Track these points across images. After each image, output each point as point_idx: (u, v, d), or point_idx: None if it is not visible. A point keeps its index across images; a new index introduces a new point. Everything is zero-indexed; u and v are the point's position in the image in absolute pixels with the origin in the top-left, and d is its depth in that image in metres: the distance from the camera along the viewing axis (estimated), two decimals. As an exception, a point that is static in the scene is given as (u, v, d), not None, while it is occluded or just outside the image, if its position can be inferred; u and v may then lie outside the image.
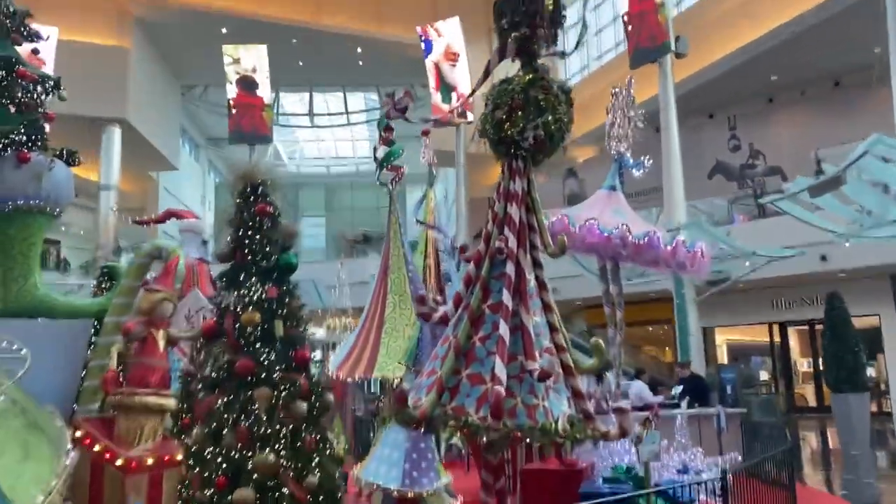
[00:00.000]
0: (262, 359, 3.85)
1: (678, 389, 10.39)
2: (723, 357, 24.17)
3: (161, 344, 5.54)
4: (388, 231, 8.48)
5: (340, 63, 29.39)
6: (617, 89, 8.27)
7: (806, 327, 21.78)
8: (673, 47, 18.25)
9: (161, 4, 25.90)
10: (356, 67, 30.08)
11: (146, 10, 26.13)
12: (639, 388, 10.50)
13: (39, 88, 6.17)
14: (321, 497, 3.73)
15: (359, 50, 28.79)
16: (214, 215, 34.15)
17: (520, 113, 5.11)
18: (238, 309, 3.91)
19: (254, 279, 4.03)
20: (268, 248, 4.13)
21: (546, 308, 5.28)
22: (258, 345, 3.90)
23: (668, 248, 7.52)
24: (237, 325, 3.88)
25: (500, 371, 4.70)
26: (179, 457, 5.37)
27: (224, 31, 27.19)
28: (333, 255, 29.30)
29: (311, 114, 34.46)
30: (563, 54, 5.57)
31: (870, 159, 8.89)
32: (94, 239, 24.94)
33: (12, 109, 5.85)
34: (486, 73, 5.23)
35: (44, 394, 5.12)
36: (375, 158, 8.54)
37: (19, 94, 5.93)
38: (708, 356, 23.29)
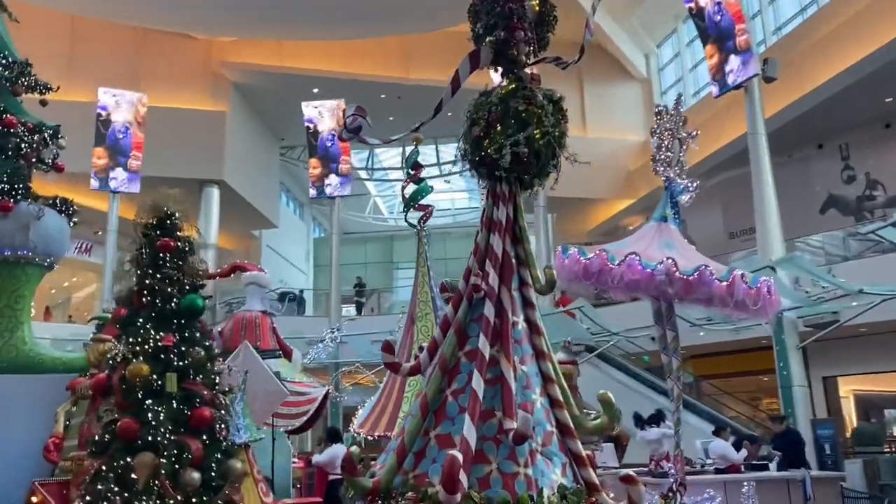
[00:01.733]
0: (149, 418, 3.29)
1: (766, 449, 9.03)
2: (850, 410, 21.72)
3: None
4: (416, 275, 7.88)
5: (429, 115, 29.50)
6: (662, 106, 7.38)
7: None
8: (760, 70, 16.85)
9: (254, 69, 26.95)
10: (445, 118, 30.11)
11: (241, 74, 27.25)
12: (721, 446, 9.21)
13: (37, 137, 6.03)
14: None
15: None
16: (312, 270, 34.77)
17: (498, 128, 4.42)
18: (127, 360, 3.40)
19: (148, 326, 3.51)
20: (169, 290, 3.60)
21: (539, 355, 4.46)
22: (147, 402, 3.35)
23: (724, 283, 6.47)
24: (124, 379, 3.36)
25: (469, 431, 3.91)
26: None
27: (315, 90, 27.90)
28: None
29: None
30: (558, 61, 4.80)
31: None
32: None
33: (-1, 157, 5.72)
34: (455, 86, 4.57)
35: (14, 449, 4.79)
36: (403, 197, 8.02)
37: (10, 143, 5.81)
38: (830, 409, 20.99)
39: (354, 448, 3.88)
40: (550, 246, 33.34)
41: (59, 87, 6.59)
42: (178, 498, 3.16)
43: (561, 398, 4.39)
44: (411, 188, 7.89)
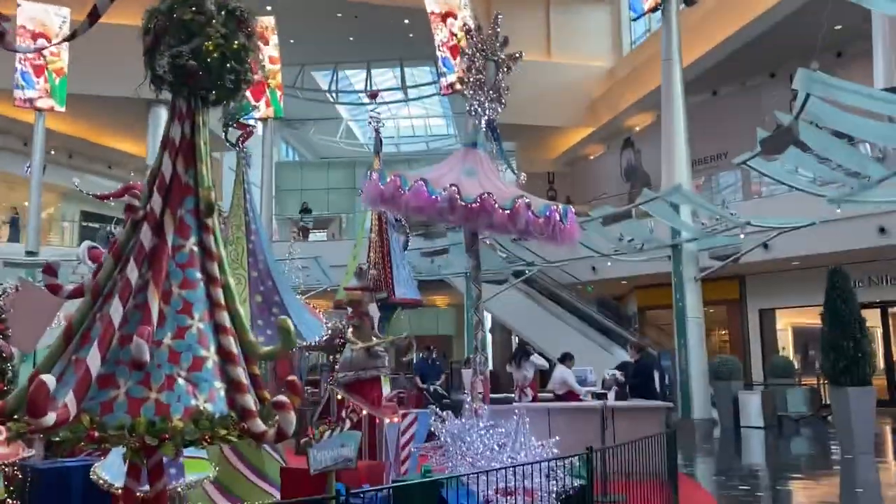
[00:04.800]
0: None
1: (610, 373, 8.99)
2: (787, 343, 21.87)
3: None
4: (232, 198, 7.70)
5: (394, 37, 28.71)
6: (465, 25, 7.06)
7: (877, 310, 19.24)
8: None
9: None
10: (413, 40, 29.31)
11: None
12: (561, 373, 9.23)
13: None
14: None
15: (406, 21, 28.00)
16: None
17: (165, 39, 4.16)
18: None
19: None
20: None
21: (210, 280, 4.31)
22: None
23: (506, 212, 6.31)
24: None
25: (92, 357, 3.80)
26: None
27: (269, 7, 27.09)
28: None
29: (366, 90, 34.07)
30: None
31: (818, 103, 7.17)
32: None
33: None
34: (94, 17, 4.25)
35: None
36: (227, 114, 7.77)
37: None
38: (765, 341, 21.08)
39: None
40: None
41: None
42: None
43: (229, 324, 4.27)
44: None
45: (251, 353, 4.39)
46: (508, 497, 6.04)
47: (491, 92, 7.14)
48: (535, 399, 9.72)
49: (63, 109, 20.63)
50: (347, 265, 11.71)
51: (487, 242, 17.50)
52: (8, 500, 5.71)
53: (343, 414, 4.96)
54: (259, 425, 4.13)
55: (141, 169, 25.45)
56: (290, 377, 4.90)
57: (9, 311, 7.22)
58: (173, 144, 4.32)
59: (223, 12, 4.21)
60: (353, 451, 4.36)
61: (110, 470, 5.31)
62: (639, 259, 15.22)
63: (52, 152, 26.50)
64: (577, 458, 5.98)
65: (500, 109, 7.28)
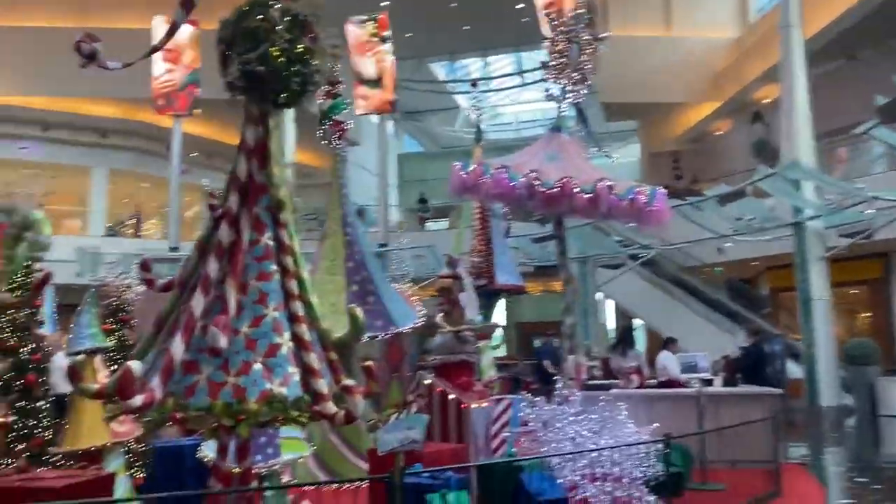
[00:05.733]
0: None
1: (700, 360, 8.56)
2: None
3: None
4: (331, 193, 8.04)
5: (508, 23, 28.62)
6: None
7: None
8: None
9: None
10: (523, 25, 29.13)
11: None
12: (663, 359, 8.96)
13: None
14: None
15: (520, 6, 27.82)
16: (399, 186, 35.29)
17: (234, 48, 4.45)
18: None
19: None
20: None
21: (284, 272, 4.59)
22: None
23: (586, 196, 6.25)
24: None
25: (176, 345, 4.17)
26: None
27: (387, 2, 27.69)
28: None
29: (481, 78, 34.12)
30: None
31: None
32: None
33: None
34: (187, 5, 4.58)
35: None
36: (320, 112, 8.13)
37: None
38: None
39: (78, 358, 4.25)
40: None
41: None
42: None
43: (302, 313, 4.54)
44: (326, 104, 7.96)
45: (325, 340, 4.65)
46: (595, 482, 6.02)
47: (574, 74, 7.05)
48: (641, 386, 9.53)
49: (198, 112, 22.09)
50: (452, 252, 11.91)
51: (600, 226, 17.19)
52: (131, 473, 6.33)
53: (410, 398, 5.11)
54: (330, 408, 4.37)
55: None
56: (367, 363, 5.14)
57: (134, 304, 7.94)
58: (248, 146, 4.62)
59: (287, 19, 4.45)
60: (420, 433, 4.52)
61: (212, 448, 5.77)
62: (764, 239, 14.44)
63: (193, 154, 28.37)
64: (661, 444, 5.85)
65: (584, 91, 7.17)
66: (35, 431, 6.22)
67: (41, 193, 19.15)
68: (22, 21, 24.86)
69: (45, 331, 7.51)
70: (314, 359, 4.48)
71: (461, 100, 39.83)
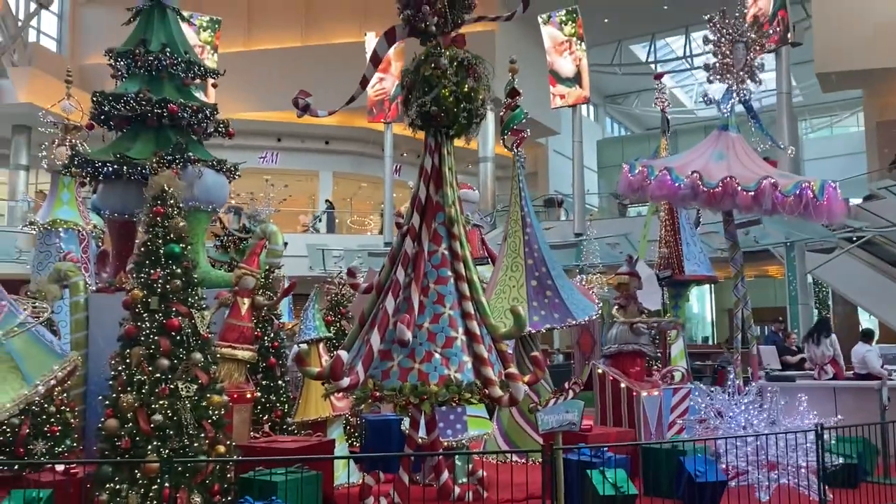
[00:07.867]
0: (140, 324, 5.15)
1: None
2: None
3: (243, 308, 7.21)
4: (510, 195, 8.80)
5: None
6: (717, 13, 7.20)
7: None
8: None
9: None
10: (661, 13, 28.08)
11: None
12: (860, 351, 8.66)
13: (200, 115, 8.32)
14: (167, 430, 4.89)
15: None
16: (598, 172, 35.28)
17: (414, 92, 5.38)
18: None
19: (147, 264, 5.32)
20: (160, 241, 5.36)
21: (457, 277, 5.45)
22: (142, 314, 5.19)
23: (749, 193, 6.49)
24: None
25: (374, 338, 5.19)
26: (248, 395, 7.04)
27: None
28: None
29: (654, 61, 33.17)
30: (482, 19, 5.52)
31: None
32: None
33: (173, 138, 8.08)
34: (375, 63, 5.53)
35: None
36: (502, 122, 8.91)
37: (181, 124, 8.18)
38: None
39: (303, 346, 5.40)
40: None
41: (224, 72, 8.95)
42: (156, 376, 5.03)
43: (473, 311, 5.40)
44: (507, 115, 8.71)
45: (493, 334, 5.47)
46: (761, 469, 6.28)
47: (741, 73, 7.21)
48: (836, 377, 9.29)
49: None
50: (639, 242, 12.17)
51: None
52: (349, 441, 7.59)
53: (567, 385, 5.69)
54: (497, 391, 5.20)
55: (474, 161, 28.02)
56: (534, 353, 5.89)
57: (351, 298, 9.26)
58: (426, 172, 5.55)
59: (455, 63, 5.29)
60: (577, 416, 5.14)
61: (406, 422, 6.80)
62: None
63: (405, 154, 30.52)
64: (826, 435, 5.96)
65: (753, 88, 7.31)
66: (276, 405, 7.71)
67: (280, 198, 21.84)
68: (255, 45, 28.17)
69: (283, 321, 9.08)
70: (484, 350, 5.33)
71: (665, 80, 38.79)
